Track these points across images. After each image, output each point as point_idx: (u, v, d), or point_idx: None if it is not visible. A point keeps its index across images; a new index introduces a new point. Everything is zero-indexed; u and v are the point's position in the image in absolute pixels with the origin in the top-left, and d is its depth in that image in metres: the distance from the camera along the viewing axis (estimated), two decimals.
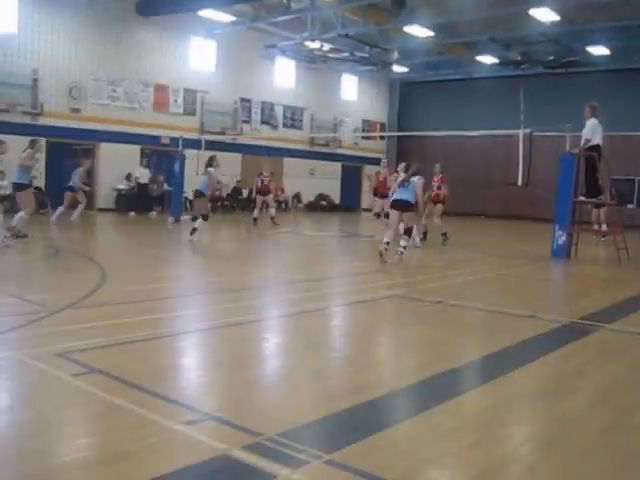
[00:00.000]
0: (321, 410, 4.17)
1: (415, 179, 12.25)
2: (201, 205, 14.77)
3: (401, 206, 12.14)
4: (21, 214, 12.52)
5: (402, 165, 14.44)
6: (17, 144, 20.40)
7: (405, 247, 12.08)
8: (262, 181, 19.68)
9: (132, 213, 22.56)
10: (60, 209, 17.12)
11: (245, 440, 3.59)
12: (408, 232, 12.32)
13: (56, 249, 11.93)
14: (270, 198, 19.88)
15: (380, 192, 17.47)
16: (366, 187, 25.12)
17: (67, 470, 3.24)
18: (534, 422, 4.29)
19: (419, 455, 3.55)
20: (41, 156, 13.64)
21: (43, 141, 13.98)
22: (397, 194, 12.36)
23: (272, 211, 19.73)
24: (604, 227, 18.23)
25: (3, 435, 3.68)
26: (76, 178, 17.47)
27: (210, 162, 15.01)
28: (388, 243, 11.76)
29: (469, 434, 3.87)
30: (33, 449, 3.45)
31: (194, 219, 14.54)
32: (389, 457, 3.49)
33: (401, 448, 3.65)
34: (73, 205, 17.40)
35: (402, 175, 13.19)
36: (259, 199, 19.67)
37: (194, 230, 14.00)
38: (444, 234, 15.29)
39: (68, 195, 17.55)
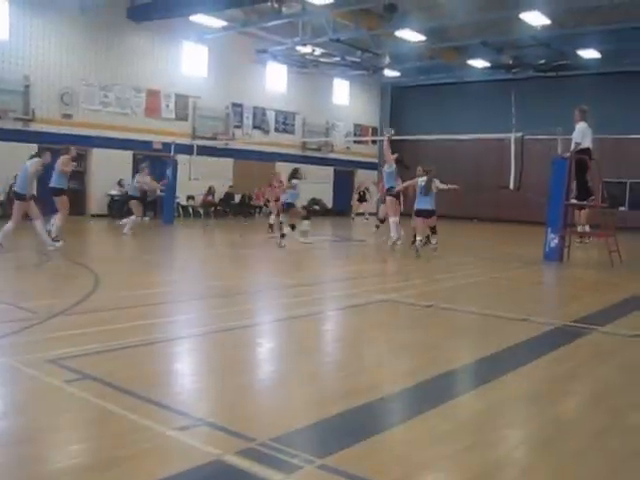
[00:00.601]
0: (314, 415, 4.16)
1: (437, 182, 13.88)
2: (293, 214, 16.01)
3: (427, 214, 13.83)
4: (56, 217, 13.29)
5: (419, 169, 14.70)
6: (9, 150, 20.50)
7: (437, 242, 13.94)
8: (274, 192, 19.69)
9: (142, 218, 22.38)
10: (132, 219, 17.08)
11: (239, 445, 3.58)
12: (434, 230, 14.04)
13: (48, 256, 11.88)
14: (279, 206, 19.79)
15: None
16: (374, 190, 24.94)
17: (59, 477, 3.23)
18: (528, 425, 4.29)
19: (413, 459, 3.55)
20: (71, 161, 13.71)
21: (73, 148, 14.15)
22: (422, 203, 13.81)
23: (272, 218, 19.72)
24: (587, 228, 18.29)
25: None
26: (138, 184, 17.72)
27: (294, 174, 15.91)
28: (421, 240, 13.70)
29: (463, 437, 3.87)
30: (26, 455, 3.44)
31: (292, 227, 15.77)
32: (383, 461, 3.49)
33: (395, 452, 3.65)
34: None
35: (420, 179, 14.08)
36: (275, 205, 19.56)
37: (283, 235, 15.30)
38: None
39: (134, 203, 17.58)
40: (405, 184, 14.92)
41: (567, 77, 28.77)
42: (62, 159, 13.39)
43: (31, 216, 12.35)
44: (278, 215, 18.77)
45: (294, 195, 15.81)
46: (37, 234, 12.10)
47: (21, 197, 12.31)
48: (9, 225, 12.20)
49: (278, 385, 4.98)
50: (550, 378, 5.27)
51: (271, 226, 18.55)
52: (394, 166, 15.46)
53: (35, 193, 12.97)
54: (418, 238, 13.77)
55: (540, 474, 3.43)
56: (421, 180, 14.01)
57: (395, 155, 15.96)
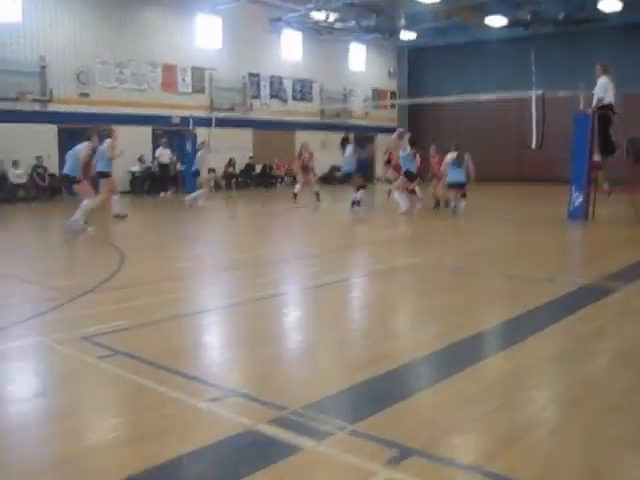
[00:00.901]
0: (343, 382, 4.21)
1: (467, 157, 14.71)
2: (355, 181, 16.58)
3: (460, 186, 14.74)
4: (114, 198, 14.23)
5: (452, 146, 15.18)
6: (29, 132, 20.64)
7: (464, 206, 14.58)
8: (303, 161, 19.68)
9: (167, 193, 22.75)
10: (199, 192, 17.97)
11: (270, 414, 3.64)
12: (464, 195, 14.76)
13: (75, 234, 12.01)
14: (311, 177, 19.78)
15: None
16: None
17: (97, 451, 3.31)
18: (555, 385, 4.31)
19: (442, 422, 3.59)
20: (118, 143, 14.05)
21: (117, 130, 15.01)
22: (455, 176, 14.65)
23: (316, 187, 19.51)
24: (606, 186, 18.12)
25: (34, 419, 3.75)
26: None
27: (346, 140, 16.89)
28: (455, 205, 14.71)
29: (491, 399, 3.90)
30: (64, 431, 3.53)
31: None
32: (412, 425, 3.53)
33: (424, 416, 3.69)
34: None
35: (451, 154, 14.95)
36: (300, 177, 19.60)
37: (356, 203, 16.02)
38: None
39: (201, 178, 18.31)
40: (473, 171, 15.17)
41: (588, 31, 28.17)
42: (107, 144, 13.75)
43: (81, 196, 12.54)
44: (305, 185, 18.84)
45: (350, 162, 16.75)
46: (79, 210, 12.24)
47: (72, 179, 12.48)
48: (115, 197, 13.40)
49: (307, 354, 5.03)
50: (577, 337, 5.27)
51: (295, 195, 18.56)
52: (409, 149, 15.35)
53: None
54: (452, 204, 14.82)
55: (569, 434, 3.46)
56: (451, 155, 14.76)
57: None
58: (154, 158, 23.38)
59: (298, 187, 18.98)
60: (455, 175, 14.71)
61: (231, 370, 4.61)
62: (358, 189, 16.41)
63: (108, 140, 13.84)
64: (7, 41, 20.46)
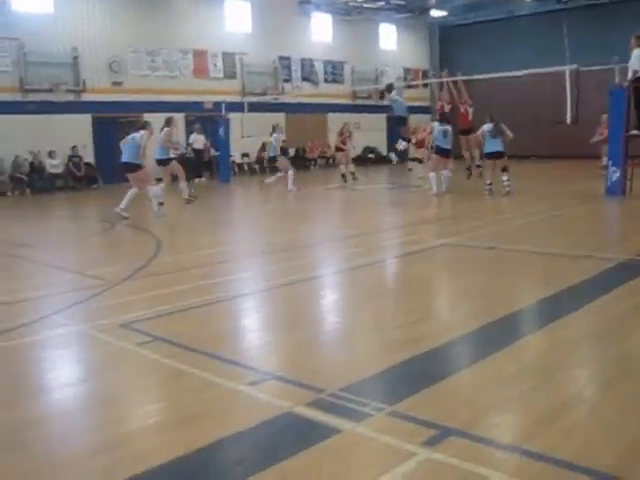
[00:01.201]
0: (381, 363, 4.23)
1: (503, 126, 14.39)
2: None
3: (498, 156, 14.38)
4: (182, 185, 14.23)
5: (488, 118, 14.79)
6: (64, 122, 20.89)
7: (509, 180, 14.21)
8: (343, 140, 19.58)
9: (201, 179, 22.55)
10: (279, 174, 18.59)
11: (308, 397, 3.67)
12: (506, 169, 14.36)
13: (111, 223, 12.16)
14: (348, 155, 19.57)
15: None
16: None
17: (139, 436, 3.38)
18: (592, 364, 4.27)
19: (481, 402, 3.59)
20: (177, 130, 14.24)
21: (177, 117, 15.45)
22: (492, 146, 14.35)
23: (351, 167, 19.40)
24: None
25: (78, 406, 3.84)
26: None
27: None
28: (490, 183, 14.33)
29: (529, 378, 3.89)
30: (107, 417, 3.60)
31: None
32: (451, 405, 3.53)
33: (462, 396, 3.69)
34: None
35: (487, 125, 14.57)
36: (340, 156, 19.45)
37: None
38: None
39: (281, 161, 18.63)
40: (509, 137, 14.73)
41: (621, 2, 27.58)
42: (164, 132, 13.97)
43: (143, 183, 12.72)
44: (347, 164, 18.85)
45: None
46: (127, 198, 12.48)
47: (132, 167, 12.60)
48: (159, 188, 13.02)
49: (343, 336, 5.05)
50: (616, 315, 5.20)
51: (344, 176, 18.61)
52: (447, 125, 15.19)
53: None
54: (487, 182, 14.40)
55: (608, 412, 3.43)
56: (487, 126, 14.47)
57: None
58: (188, 144, 23.44)
59: (343, 168, 18.93)
60: (492, 145, 14.40)
61: (268, 353, 4.64)
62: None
63: (166, 128, 14.10)
64: (39, 33, 20.66)
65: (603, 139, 17.91)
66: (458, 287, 6.53)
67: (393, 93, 16.65)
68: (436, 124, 15.77)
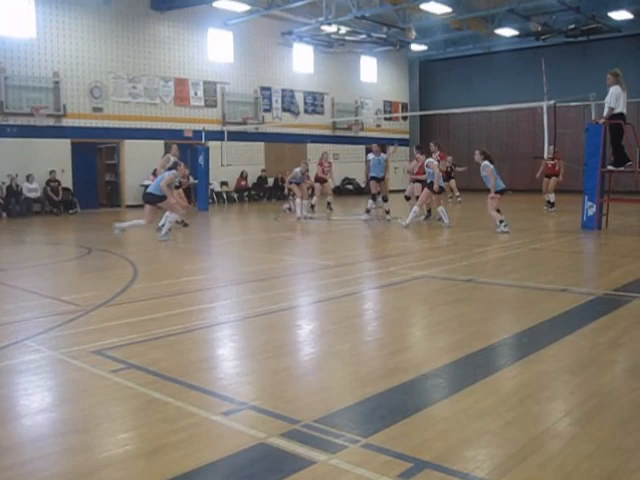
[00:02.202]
0: (357, 394, 4.20)
1: (486, 163, 13.89)
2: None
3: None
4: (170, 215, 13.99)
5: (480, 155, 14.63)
6: (44, 146, 20.82)
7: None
8: (323, 170, 20.01)
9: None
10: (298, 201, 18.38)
11: (283, 428, 3.63)
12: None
13: (88, 248, 12.07)
14: (328, 186, 20.25)
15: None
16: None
17: (110, 464, 3.31)
18: (570, 397, 4.27)
19: (456, 435, 3.57)
20: (175, 158, 14.44)
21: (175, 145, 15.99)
22: (502, 183, 13.99)
23: (330, 198, 20.13)
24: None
25: (46, 432, 3.76)
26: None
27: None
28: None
29: (506, 412, 3.88)
30: (77, 444, 3.54)
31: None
32: (426, 438, 3.51)
33: (438, 428, 3.67)
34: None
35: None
36: (318, 187, 20.01)
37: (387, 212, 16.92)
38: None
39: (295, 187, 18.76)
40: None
41: (599, 41, 28.16)
42: (164, 158, 14.87)
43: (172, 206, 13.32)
44: (323, 195, 19.17)
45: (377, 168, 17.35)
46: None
47: (156, 198, 13.02)
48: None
49: (319, 367, 5.02)
50: (592, 349, 5.22)
51: (313, 207, 19.05)
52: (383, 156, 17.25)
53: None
54: (500, 218, 13.70)
55: (583, 446, 3.42)
56: (487, 164, 13.98)
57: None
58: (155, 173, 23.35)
59: (315, 199, 19.20)
60: (502, 182, 14.06)
61: (243, 383, 4.59)
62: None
63: (166, 155, 14.96)
64: (22, 57, 20.70)
65: (551, 174, 18.42)
66: (435, 319, 6.53)
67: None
68: (371, 155, 17.37)
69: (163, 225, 13.43)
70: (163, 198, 12.90)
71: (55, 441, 3.62)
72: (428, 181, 15.01)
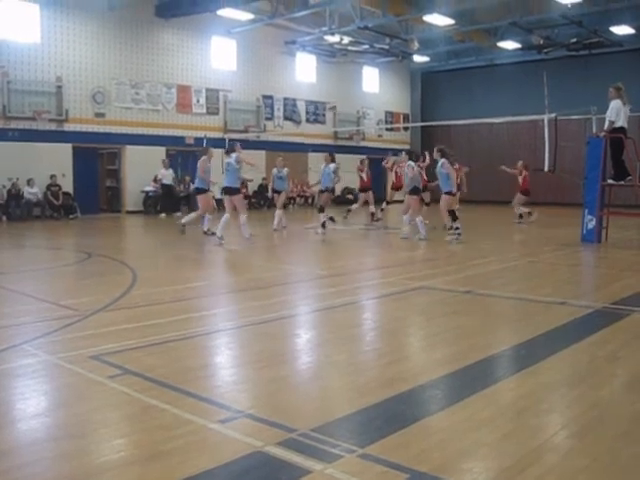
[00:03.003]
0: (354, 404, 4.19)
1: (444, 161, 14.12)
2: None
3: None
4: (206, 216, 14.84)
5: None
6: (46, 151, 20.84)
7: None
8: (361, 178, 19.32)
9: (163, 215, 22.57)
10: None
11: (279, 436, 3.62)
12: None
13: (87, 253, 12.07)
14: (370, 195, 19.10)
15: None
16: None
17: (105, 470, 3.30)
18: (568, 410, 4.26)
19: (453, 446, 3.55)
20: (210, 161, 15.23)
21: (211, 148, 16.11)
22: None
23: (372, 207, 19.01)
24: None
25: (42, 437, 3.75)
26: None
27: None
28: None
29: (503, 424, 3.87)
30: (72, 449, 3.52)
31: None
32: (424, 449, 3.50)
33: (435, 439, 3.66)
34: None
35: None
36: (363, 196, 19.19)
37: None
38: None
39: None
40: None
41: (600, 55, 28.23)
42: (200, 161, 15.06)
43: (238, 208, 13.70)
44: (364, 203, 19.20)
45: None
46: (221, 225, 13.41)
47: (232, 190, 13.60)
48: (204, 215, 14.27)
49: (317, 375, 5.01)
50: (590, 362, 5.22)
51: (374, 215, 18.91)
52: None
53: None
54: (454, 225, 14.07)
55: (581, 459, 3.41)
56: None
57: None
58: (157, 180, 23.38)
59: (372, 207, 18.98)
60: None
61: (241, 391, 4.58)
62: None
63: (203, 157, 15.10)
64: (25, 61, 20.75)
65: (519, 189, 18.55)
66: (433, 330, 6.52)
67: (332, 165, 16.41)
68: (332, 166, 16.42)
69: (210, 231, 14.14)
70: (239, 191, 13.50)
71: (51, 445, 3.61)
72: (444, 190, 14.49)
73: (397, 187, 18.74)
